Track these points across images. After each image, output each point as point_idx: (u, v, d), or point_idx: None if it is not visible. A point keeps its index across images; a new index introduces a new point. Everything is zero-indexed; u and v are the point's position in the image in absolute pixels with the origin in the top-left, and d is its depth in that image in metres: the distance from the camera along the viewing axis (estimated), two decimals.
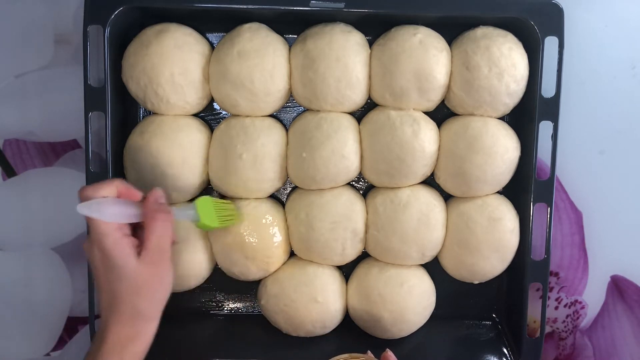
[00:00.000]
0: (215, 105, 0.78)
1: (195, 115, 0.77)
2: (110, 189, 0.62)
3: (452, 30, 0.75)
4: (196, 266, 0.76)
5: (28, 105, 0.79)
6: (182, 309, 0.81)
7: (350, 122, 0.75)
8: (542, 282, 0.75)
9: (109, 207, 0.60)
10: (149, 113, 0.77)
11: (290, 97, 0.76)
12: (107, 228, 0.59)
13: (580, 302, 0.82)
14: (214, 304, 0.82)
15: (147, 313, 0.62)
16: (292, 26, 0.76)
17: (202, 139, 0.75)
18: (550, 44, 0.72)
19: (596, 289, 0.82)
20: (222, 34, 0.75)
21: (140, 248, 0.61)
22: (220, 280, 0.80)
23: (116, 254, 0.59)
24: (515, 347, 0.77)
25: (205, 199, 0.70)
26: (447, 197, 0.78)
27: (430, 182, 0.78)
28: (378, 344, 0.78)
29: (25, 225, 0.80)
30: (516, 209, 0.77)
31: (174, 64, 0.72)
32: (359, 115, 0.77)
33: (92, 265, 0.61)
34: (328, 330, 0.78)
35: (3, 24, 0.78)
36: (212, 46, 0.76)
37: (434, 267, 0.79)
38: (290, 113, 0.79)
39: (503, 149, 0.73)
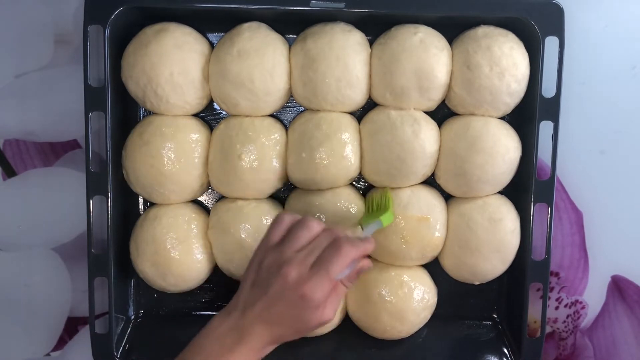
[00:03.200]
0: (215, 105, 0.78)
1: (195, 115, 0.77)
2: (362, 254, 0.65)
3: (452, 30, 0.75)
4: (196, 266, 0.76)
5: (28, 105, 0.79)
6: (182, 309, 0.81)
7: (350, 122, 0.75)
8: (543, 282, 0.75)
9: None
10: (149, 113, 0.77)
11: (290, 97, 0.76)
12: (328, 287, 0.61)
13: (580, 302, 0.82)
14: (213, 304, 0.82)
15: (285, 340, 0.64)
16: (292, 26, 0.76)
17: (201, 139, 0.75)
18: (551, 44, 0.72)
19: (596, 289, 0.82)
20: (222, 33, 0.75)
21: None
22: (220, 280, 0.80)
23: (316, 307, 0.61)
24: (516, 347, 0.77)
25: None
26: (447, 198, 0.78)
27: (430, 182, 0.78)
28: (378, 344, 0.78)
29: (25, 225, 0.80)
30: (516, 209, 0.76)
31: (173, 63, 0.72)
32: (359, 115, 0.77)
33: (271, 288, 0.61)
34: (328, 331, 0.78)
35: (3, 24, 0.78)
36: (212, 46, 0.76)
37: (434, 268, 0.79)
38: (290, 113, 0.79)
39: (504, 149, 0.73)
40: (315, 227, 0.64)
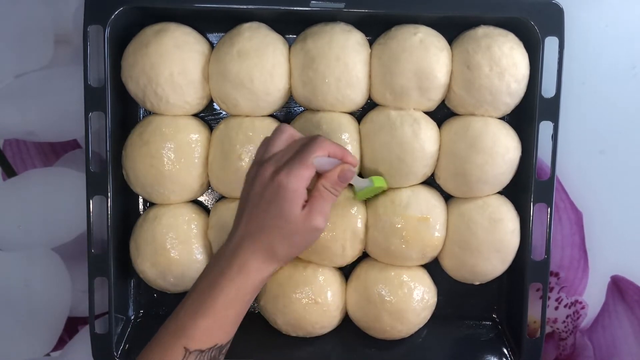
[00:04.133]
0: (215, 105, 0.78)
1: (195, 115, 0.77)
2: (339, 153, 0.65)
3: (452, 30, 0.75)
4: (196, 266, 0.76)
5: (28, 105, 0.79)
6: None
7: (350, 122, 0.75)
8: (542, 282, 0.75)
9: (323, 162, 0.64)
10: (149, 113, 0.77)
11: (290, 97, 0.76)
12: (305, 173, 0.61)
13: (580, 302, 0.82)
14: None
15: (280, 257, 0.63)
16: (292, 26, 0.76)
17: (201, 139, 0.75)
18: (551, 44, 0.72)
19: (596, 289, 0.82)
20: (222, 33, 0.75)
21: (306, 201, 0.63)
22: None
23: (293, 198, 0.61)
24: (516, 347, 0.77)
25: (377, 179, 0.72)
26: (447, 198, 0.78)
27: (430, 182, 0.78)
28: (378, 344, 0.78)
29: (25, 225, 0.80)
30: (516, 209, 0.76)
31: (173, 63, 0.72)
32: (359, 115, 0.77)
33: (252, 191, 0.62)
34: (327, 331, 0.78)
35: (3, 24, 0.78)
36: (211, 46, 0.76)
37: (434, 268, 0.79)
38: (290, 113, 0.79)
39: (504, 149, 0.73)
40: (291, 131, 0.65)
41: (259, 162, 0.64)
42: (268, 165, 0.62)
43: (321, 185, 0.64)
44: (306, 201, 0.63)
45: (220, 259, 0.63)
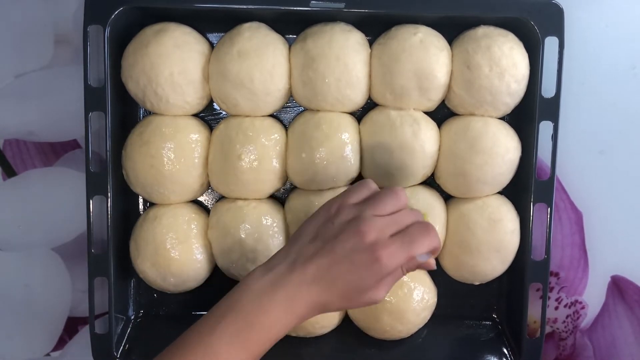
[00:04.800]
0: (215, 105, 0.78)
1: (195, 115, 0.77)
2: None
3: (452, 30, 0.75)
4: (196, 266, 0.76)
5: (28, 105, 0.79)
6: (182, 309, 0.81)
7: (350, 122, 0.75)
8: (542, 282, 0.75)
9: None
10: (149, 113, 0.77)
11: (290, 97, 0.76)
12: (405, 263, 0.57)
13: (580, 302, 0.82)
14: (213, 304, 0.82)
15: (325, 310, 0.58)
16: (292, 26, 0.76)
17: (201, 139, 0.75)
18: (551, 44, 0.72)
19: (596, 289, 0.82)
20: (222, 33, 0.75)
21: None
22: (220, 280, 0.80)
23: (379, 278, 0.56)
24: (516, 347, 0.77)
25: None
26: (447, 198, 0.78)
27: (430, 182, 0.78)
28: (378, 344, 0.78)
29: (25, 225, 0.80)
30: (516, 209, 0.76)
31: (173, 63, 0.72)
32: (359, 115, 0.77)
33: (339, 242, 0.56)
34: (327, 331, 0.78)
35: (3, 24, 0.78)
36: (211, 46, 0.76)
37: None
38: (290, 113, 0.79)
39: (504, 150, 0.73)
40: (403, 198, 0.59)
41: (343, 205, 0.58)
42: (370, 229, 0.56)
43: (401, 269, 0.58)
44: None
45: (265, 292, 0.56)
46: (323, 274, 0.56)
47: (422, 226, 0.58)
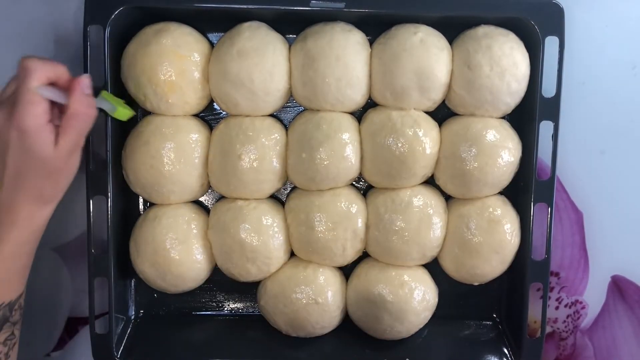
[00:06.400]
0: (215, 105, 0.78)
1: (195, 115, 0.77)
2: (55, 72, 0.61)
3: (452, 30, 0.75)
4: (196, 266, 0.76)
5: None
6: (182, 309, 0.81)
7: (350, 122, 0.75)
8: (543, 282, 0.75)
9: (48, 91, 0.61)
10: (149, 113, 0.77)
11: (290, 97, 0.76)
12: (37, 110, 0.59)
13: (580, 302, 0.82)
14: (214, 304, 0.82)
15: (50, 197, 0.64)
16: (292, 26, 0.76)
17: (201, 139, 0.75)
18: (551, 43, 0.72)
19: (597, 289, 0.82)
20: (222, 33, 0.75)
21: (57, 135, 0.61)
22: (220, 280, 0.80)
23: (38, 139, 0.60)
24: (516, 347, 0.77)
25: (106, 93, 0.69)
26: (447, 198, 0.78)
27: (430, 182, 0.78)
28: (378, 344, 0.78)
29: None
30: (516, 209, 0.76)
31: (173, 63, 0.72)
32: (359, 115, 0.77)
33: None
34: (328, 331, 0.78)
35: (3, 24, 0.78)
36: (212, 46, 0.76)
37: (434, 268, 0.79)
38: (290, 113, 0.79)
39: (504, 150, 0.73)
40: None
41: None
42: (0, 112, 0.60)
43: (67, 117, 0.61)
44: (57, 134, 0.61)
45: None
46: (6, 173, 0.61)
47: (19, 72, 0.60)
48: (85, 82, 0.63)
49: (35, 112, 0.59)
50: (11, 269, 0.63)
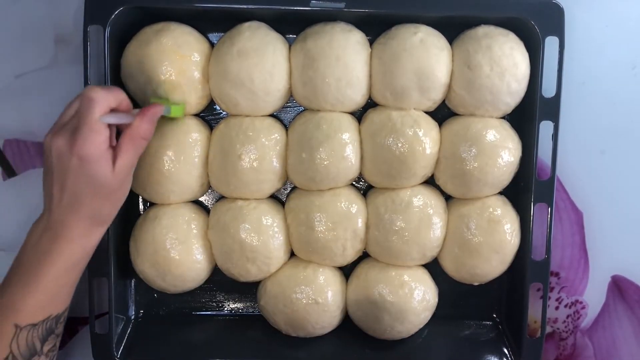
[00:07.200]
0: (215, 105, 0.78)
1: (195, 115, 0.77)
2: (116, 100, 0.64)
3: (452, 30, 0.75)
4: (196, 266, 0.76)
5: (28, 105, 0.79)
6: (182, 309, 0.81)
7: (350, 122, 0.75)
8: (543, 282, 0.75)
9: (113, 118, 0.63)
10: None
11: (290, 97, 0.76)
12: (100, 138, 0.61)
13: (580, 302, 0.82)
14: (214, 304, 0.82)
15: (106, 218, 0.66)
16: (292, 26, 0.76)
17: (201, 139, 0.75)
18: (551, 44, 0.72)
19: (597, 289, 0.82)
20: (222, 33, 0.75)
21: (114, 157, 0.63)
22: (220, 280, 0.80)
23: (99, 166, 0.62)
24: (516, 347, 0.77)
25: (154, 97, 0.72)
26: (447, 198, 0.78)
27: (430, 181, 0.78)
28: (378, 344, 0.78)
29: (25, 225, 0.80)
30: (516, 209, 0.76)
31: (173, 63, 0.72)
32: (359, 115, 0.77)
33: (55, 166, 0.62)
34: (328, 331, 0.78)
35: (3, 24, 0.78)
36: (212, 45, 0.76)
37: (434, 268, 0.79)
38: (290, 113, 0.79)
39: (504, 150, 0.73)
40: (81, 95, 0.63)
41: (52, 133, 0.63)
42: (55, 138, 0.61)
43: (126, 138, 0.64)
44: (114, 155, 0.63)
45: (44, 233, 0.63)
46: (66, 195, 0.62)
47: (81, 101, 0.62)
48: (158, 111, 0.66)
49: (98, 141, 0.61)
50: (62, 284, 0.64)
